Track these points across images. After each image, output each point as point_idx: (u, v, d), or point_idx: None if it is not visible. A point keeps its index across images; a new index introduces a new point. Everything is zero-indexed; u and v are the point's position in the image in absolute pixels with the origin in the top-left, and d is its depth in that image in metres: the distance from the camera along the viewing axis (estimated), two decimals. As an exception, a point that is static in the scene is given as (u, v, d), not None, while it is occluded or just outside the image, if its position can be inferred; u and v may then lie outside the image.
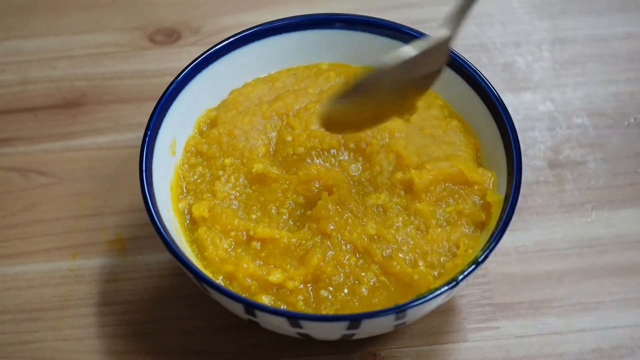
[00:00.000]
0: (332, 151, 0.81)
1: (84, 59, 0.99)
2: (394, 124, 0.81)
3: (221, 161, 0.81)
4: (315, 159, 0.80)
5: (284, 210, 0.78)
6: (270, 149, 0.81)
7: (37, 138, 0.93)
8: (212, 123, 0.83)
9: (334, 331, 0.71)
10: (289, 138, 0.81)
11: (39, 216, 0.87)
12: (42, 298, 0.82)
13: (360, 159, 0.81)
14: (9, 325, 0.81)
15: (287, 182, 0.79)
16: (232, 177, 0.79)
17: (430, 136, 0.81)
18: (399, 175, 0.79)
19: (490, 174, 0.78)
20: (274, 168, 0.79)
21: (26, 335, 0.81)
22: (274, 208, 0.78)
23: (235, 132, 0.81)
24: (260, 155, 0.81)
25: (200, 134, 0.82)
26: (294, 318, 0.69)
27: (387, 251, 0.75)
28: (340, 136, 0.81)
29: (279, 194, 0.78)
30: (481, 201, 0.77)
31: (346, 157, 0.81)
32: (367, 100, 0.72)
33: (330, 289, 0.74)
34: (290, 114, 0.83)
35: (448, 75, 0.82)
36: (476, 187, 0.78)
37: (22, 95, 0.96)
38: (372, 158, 0.80)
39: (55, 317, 0.81)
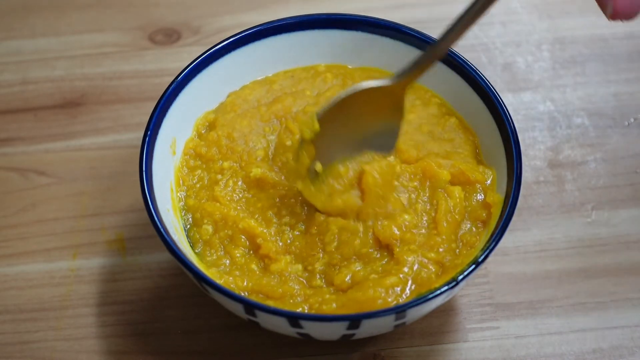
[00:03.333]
0: None
1: (84, 59, 0.99)
2: None
3: (220, 164, 0.80)
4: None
5: (286, 220, 0.78)
6: (269, 153, 0.81)
7: (37, 138, 0.93)
8: (211, 125, 0.83)
9: (334, 331, 0.71)
10: (289, 142, 0.81)
11: (39, 216, 0.87)
12: (42, 298, 0.83)
13: None
14: (9, 325, 0.81)
15: (286, 188, 0.79)
16: (231, 181, 0.79)
17: (428, 133, 0.81)
18: (398, 168, 0.78)
19: (490, 172, 0.78)
20: (272, 173, 0.79)
21: (26, 335, 0.81)
22: (271, 214, 0.78)
23: (234, 135, 0.81)
24: (259, 159, 0.80)
25: (199, 137, 0.82)
26: (294, 318, 0.69)
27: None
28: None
29: (277, 200, 0.78)
30: (482, 198, 0.77)
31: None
32: (343, 122, 0.76)
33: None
34: (289, 116, 0.83)
35: (447, 75, 0.82)
36: (477, 186, 0.78)
37: (22, 95, 0.96)
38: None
39: (55, 317, 0.81)
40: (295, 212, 0.78)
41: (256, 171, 0.79)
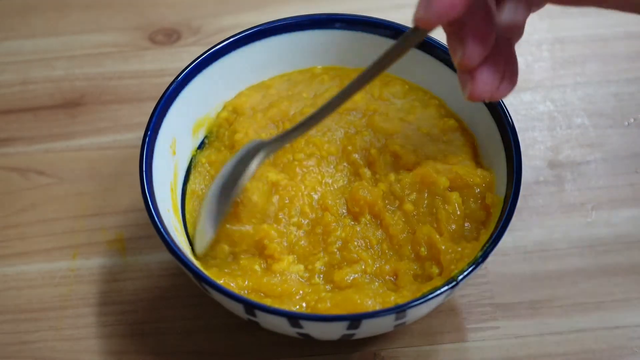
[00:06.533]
0: (330, 158, 0.81)
1: (84, 59, 0.99)
2: (390, 125, 0.81)
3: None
4: (316, 167, 0.80)
5: (295, 220, 0.78)
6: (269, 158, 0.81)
7: (37, 138, 0.93)
8: (211, 137, 0.83)
9: (334, 331, 0.71)
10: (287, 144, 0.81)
11: (39, 216, 0.87)
12: (42, 298, 0.83)
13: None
14: (9, 325, 0.81)
15: (294, 188, 0.79)
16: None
17: (427, 135, 0.81)
18: (392, 177, 0.79)
19: (489, 174, 0.78)
20: (280, 175, 0.79)
21: (26, 335, 0.81)
22: (282, 215, 0.78)
23: (236, 138, 0.81)
24: None
25: (210, 145, 0.83)
26: (294, 318, 0.69)
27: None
28: (338, 143, 0.81)
29: (286, 201, 0.78)
30: (480, 201, 0.77)
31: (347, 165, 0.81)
32: None
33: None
34: (286, 119, 0.82)
35: (447, 75, 0.82)
36: (476, 189, 0.78)
37: (22, 95, 0.96)
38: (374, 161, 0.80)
39: (55, 317, 0.81)
40: (304, 212, 0.78)
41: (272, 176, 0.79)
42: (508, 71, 0.66)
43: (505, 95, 0.67)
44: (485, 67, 0.65)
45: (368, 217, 0.78)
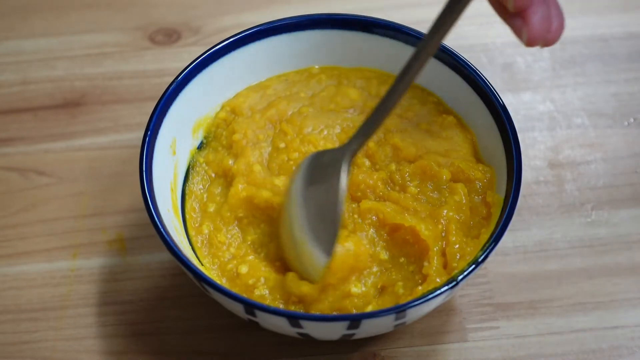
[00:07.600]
0: None
1: (84, 59, 0.99)
2: (389, 120, 0.81)
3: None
4: None
5: None
6: (264, 161, 0.81)
7: (37, 138, 0.93)
8: (209, 138, 0.83)
9: (334, 331, 0.71)
10: (282, 145, 0.81)
11: (39, 216, 0.87)
12: (42, 298, 0.83)
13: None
14: (9, 325, 0.81)
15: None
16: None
17: (426, 131, 0.81)
18: (393, 167, 0.79)
19: (489, 169, 0.78)
20: (276, 181, 0.79)
21: (26, 335, 0.81)
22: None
23: (236, 139, 0.81)
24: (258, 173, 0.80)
25: (208, 146, 0.83)
26: (294, 318, 0.69)
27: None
28: (335, 138, 0.81)
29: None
30: (482, 195, 0.77)
31: None
32: None
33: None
34: (284, 120, 0.82)
35: (446, 74, 0.82)
36: (477, 184, 0.78)
37: (22, 95, 0.96)
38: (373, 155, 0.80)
39: (55, 317, 0.81)
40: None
41: (266, 194, 0.78)
42: (555, 11, 0.68)
43: (557, 37, 0.68)
44: (537, 7, 0.67)
45: (372, 198, 0.78)
